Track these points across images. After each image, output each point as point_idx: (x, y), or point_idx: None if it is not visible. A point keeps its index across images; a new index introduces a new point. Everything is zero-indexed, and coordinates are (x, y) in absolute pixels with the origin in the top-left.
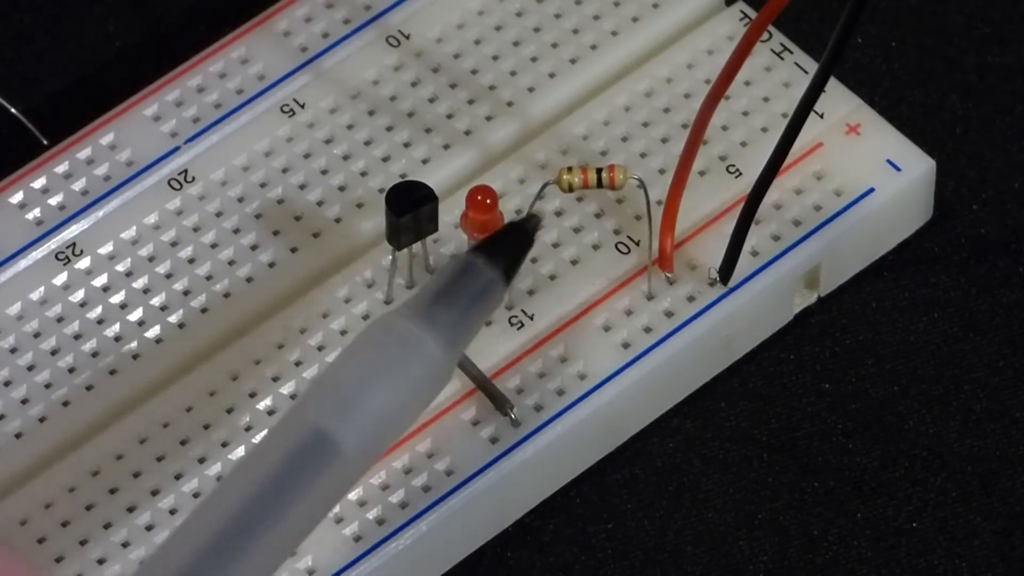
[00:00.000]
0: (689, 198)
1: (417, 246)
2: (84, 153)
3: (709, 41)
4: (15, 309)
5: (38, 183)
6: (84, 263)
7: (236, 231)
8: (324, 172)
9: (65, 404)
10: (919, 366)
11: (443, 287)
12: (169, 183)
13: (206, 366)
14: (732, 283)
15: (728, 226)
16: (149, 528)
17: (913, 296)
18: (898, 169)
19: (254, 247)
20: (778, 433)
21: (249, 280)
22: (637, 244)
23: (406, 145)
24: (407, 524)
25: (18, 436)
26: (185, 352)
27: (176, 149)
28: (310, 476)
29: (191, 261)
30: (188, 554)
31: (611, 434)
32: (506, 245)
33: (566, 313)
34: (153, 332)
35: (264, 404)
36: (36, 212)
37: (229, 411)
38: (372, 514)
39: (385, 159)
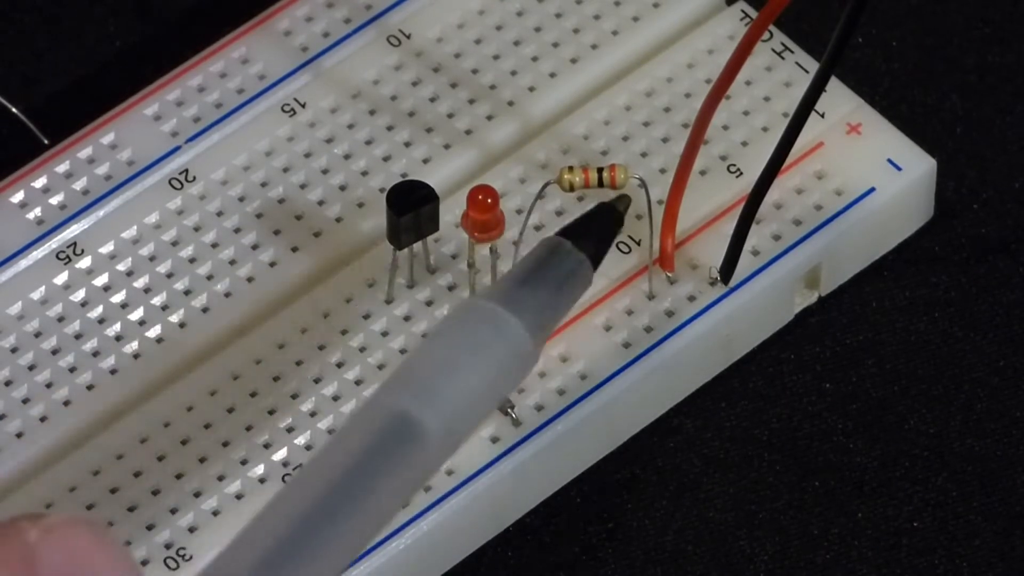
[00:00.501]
0: (690, 198)
1: (418, 245)
2: (85, 153)
3: (710, 41)
4: (16, 309)
5: (39, 183)
6: (85, 262)
7: (237, 230)
8: (325, 171)
9: (66, 404)
10: (919, 366)
11: (530, 270)
12: (170, 182)
13: (207, 365)
14: (733, 283)
15: (729, 226)
16: (150, 527)
17: (913, 296)
18: (899, 169)
19: (255, 246)
20: (778, 433)
21: (250, 280)
22: (638, 244)
23: (407, 145)
24: (408, 523)
25: (19, 436)
26: (186, 352)
27: (177, 149)
28: (394, 461)
29: (192, 260)
30: (272, 538)
31: (611, 434)
32: (595, 227)
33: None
34: (154, 332)
35: (265, 403)
36: (37, 212)
37: (230, 410)
38: None
39: (386, 159)
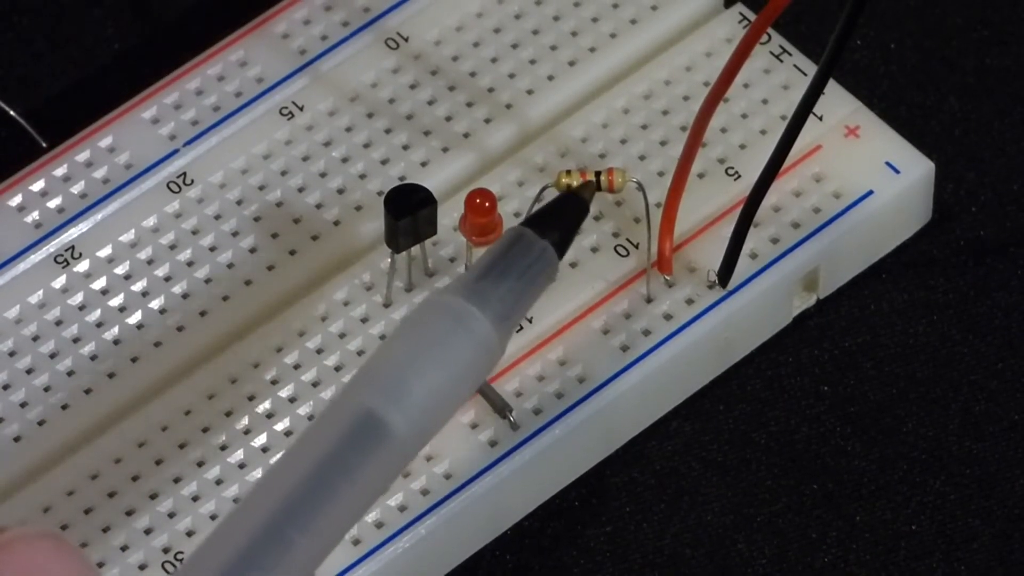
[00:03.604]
0: (688, 201)
1: (416, 249)
2: (83, 156)
3: (708, 43)
4: (14, 312)
5: (37, 186)
6: (83, 266)
7: (235, 234)
8: (323, 175)
9: (64, 407)
10: (918, 369)
11: (493, 262)
12: (168, 186)
13: (205, 369)
14: (731, 286)
15: (727, 229)
16: (148, 532)
17: (912, 299)
18: (897, 171)
19: (253, 250)
20: (777, 436)
21: (248, 283)
22: (636, 247)
23: (405, 148)
24: (406, 527)
25: (17, 440)
26: (184, 355)
27: (175, 152)
28: (361, 459)
29: (190, 264)
30: (242, 539)
31: (610, 437)
32: (559, 215)
33: (565, 316)
34: (152, 335)
35: (263, 407)
36: (35, 215)
37: (228, 414)
38: (371, 517)
39: (384, 162)
